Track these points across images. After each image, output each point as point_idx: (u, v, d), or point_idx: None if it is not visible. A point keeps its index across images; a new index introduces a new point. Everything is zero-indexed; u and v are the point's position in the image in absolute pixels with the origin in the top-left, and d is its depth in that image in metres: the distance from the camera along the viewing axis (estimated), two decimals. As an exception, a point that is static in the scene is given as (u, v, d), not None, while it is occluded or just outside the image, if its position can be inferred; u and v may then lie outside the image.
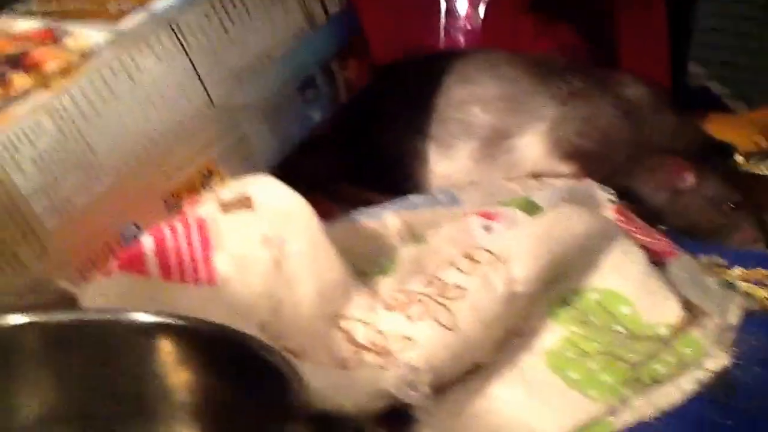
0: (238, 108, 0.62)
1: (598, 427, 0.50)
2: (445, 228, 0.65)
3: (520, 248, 0.56)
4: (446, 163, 0.81)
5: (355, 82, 0.74)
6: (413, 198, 0.69)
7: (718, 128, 0.94)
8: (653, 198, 0.79)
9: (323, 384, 0.43)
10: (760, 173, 0.92)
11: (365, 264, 0.60)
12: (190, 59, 0.59)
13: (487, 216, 0.67)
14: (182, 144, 0.58)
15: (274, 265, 0.53)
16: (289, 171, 0.65)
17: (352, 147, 0.85)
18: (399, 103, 0.83)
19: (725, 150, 0.88)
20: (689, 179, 0.78)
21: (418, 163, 0.82)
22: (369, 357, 0.49)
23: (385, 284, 0.57)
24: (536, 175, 0.81)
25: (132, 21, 0.58)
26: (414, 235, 0.65)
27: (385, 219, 0.64)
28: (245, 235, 0.53)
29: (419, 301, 0.52)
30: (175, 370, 0.40)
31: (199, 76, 0.60)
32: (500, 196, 0.72)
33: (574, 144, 0.79)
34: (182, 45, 0.59)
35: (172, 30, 0.58)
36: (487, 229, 0.65)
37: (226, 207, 0.54)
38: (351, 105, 0.76)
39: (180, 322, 0.39)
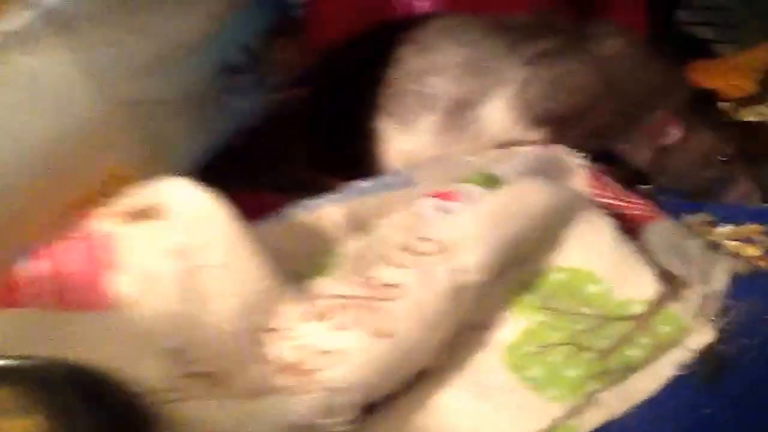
0: (150, 105, 0.56)
1: (556, 433, 0.44)
2: (396, 214, 0.59)
3: (467, 233, 0.50)
4: (408, 140, 0.74)
5: (291, 65, 0.67)
6: (360, 183, 0.62)
7: (704, 75, 0.87)
8: (637, 158, 0.73)
9: (224, 423, 0.38)
10: (751, 120, 0.85)
11: (301, 265, 0.54)
12: (82, 54, 0.53)
13: (444, 196, 0.61)
14: (81, 148, 0.51)
15: (185, 279, 0.47)
16: (234, 162, 0.59)
17: (312, 130, 0.79)
18: (354, 80, 0.77)
19: (712, 99, 0.81)
20: (675, 134, 0.71)
21: (379, 143, 0.76)
22: (286, 379, 0.43)
23: (323, 287, 0.52)
24: (506, 145, 0.74)
25: (15, 18, 0.52)
26: (361, 226, 0.58)
27: (325, 210, 0.58)
28: (151, 248, 0.47)
29: (347, 306, 0.46)
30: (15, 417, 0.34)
31: (95, 71, 0.53)
32: (460, 173, 0.65)
33: (542, 108, 0.72)
34: (72, 39, 0.52)
35: (60, 24, 0.52)
36: (443, 211, 0.59)
37: (131, 218, 0.48)
38: (305, 84, 0.71)
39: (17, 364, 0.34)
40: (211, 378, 0.45)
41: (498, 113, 0.71)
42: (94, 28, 0.53)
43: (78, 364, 0.36)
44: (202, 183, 0.51)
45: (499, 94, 0.71)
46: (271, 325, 0.48)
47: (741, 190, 0.73)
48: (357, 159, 0.76)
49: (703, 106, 0.74)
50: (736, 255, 0.63)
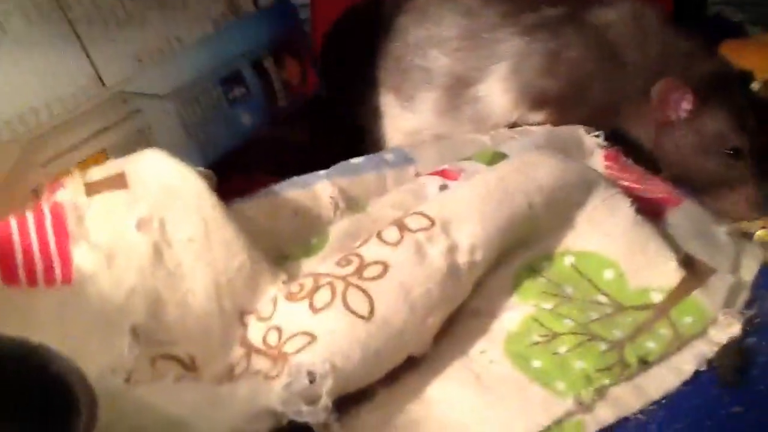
0: (140, 95, 0.52)
1: (561, 430, 0.39)
2: (391, 192, 0.55)
3: (462, 208, 0.45)
4: (410, 117, 0.69)
5: (294, 86, 0.63)
6: (354, 160, 0.57)
7: (734, 55, 0.80)
8: (639, 136, 0.66)
9: (187, 407, 0.33)
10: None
11: (288, 245, 0.49)
12: (73, 28, 0.49)
13: (446, 175, 0.56)
14: (64, 127, 0.48)
15: (153, 254, 0.42)
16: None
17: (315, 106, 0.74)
18: (358, 53, 0.72)
19: (742, 78, 0.74)
20: (685, 107, 0.63)
21: (383, 120, 0.71)
22: (259, 362, 0.39)
23: (306, 266, 0.47)
24: (512, 126, 0.69)
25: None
26: (353, 204, 0.54)
27: (316, 187, 0.53)
28: (115, 219, 0.43)
29: (327, 285, 0.41)
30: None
31: (85, 49, 0.50)
32: (464, 151, 0.60)
33: (539, 87, 0.66)
34: (63, 11, 0.49)
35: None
36: (442, 189, 0.54)
37: (93, 188, 0.44)
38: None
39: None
40: (181, 363, 0.40)
41: (496, 95, 0.66)
42: (86, 6, 0.49)
43: (25, 340, 0.32)
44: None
45: (494, 71, 0.66)
46: (246, 306, 0.43)
47: (740, 194, 0.63)
48: (358, 135, 0.72)
49: (725, 83, 0.65)
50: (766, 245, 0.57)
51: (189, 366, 0.41)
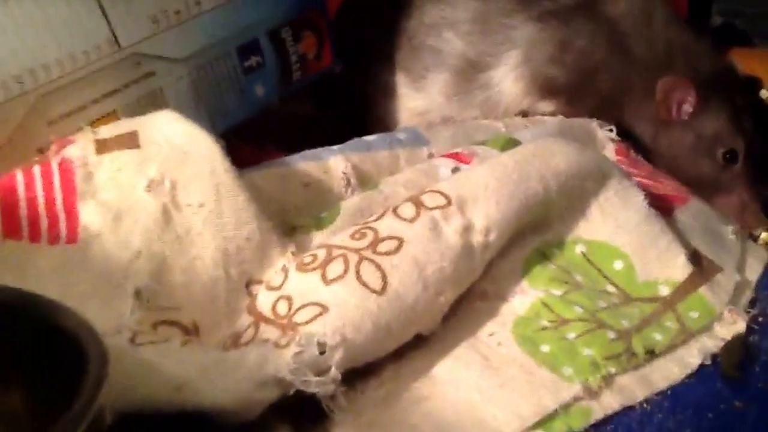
0: (154, 58, 0.51)
1: (572, 416, 0.38)
2: (403, 172, 0.54)
3: (479, 189, 0.45)
4: (419, 98, 0.69)
5: (310, 60, 0.62)
6: (368, 138, 0.57)
7: (743, 62, 0.80)
8: (641, 131, 0.64)
9: (188, 371, 0.32)
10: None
11: (298, 217, 0.48)
12: None
13: (459, 158, 0.55)
14: (75, 86, 0.47)
15: (161, 217, 0.42)
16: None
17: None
18: (370, 30, 0.71)
19: (749, 83, 0.73)
20: (688, 103, 0.62)
21: (391, 99, 0.71)
22: (268, 331, 0.38)
23: (318, 238, 0.46)
24: (524, 114, 0.68)
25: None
26: (366, 182, 0.53)
27: (329, 161, 0.52)
28: (124, 179, 0.42)
29: (340, 257, 0.40)
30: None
31: (102, 7, 0.49)
32: (478, 136, 0.60)
33: (549, 75, 0.65)
34: None
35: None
36: (451, 173, 0.53)
37: (104, 146, 0.43)
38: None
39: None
40: (183, 329, 0.40)
41: (508, 83, 0.65)
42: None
43: (35, 294, 0.31)
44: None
45: (506, 59, 0.65)
46: (254, 275, 0.43)
47: (734, 201, 0.62)
48: (371, 118, 0.71)
49: (728, 84, 0.64)
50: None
51: (192, 333, 0.40)
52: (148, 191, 0.42)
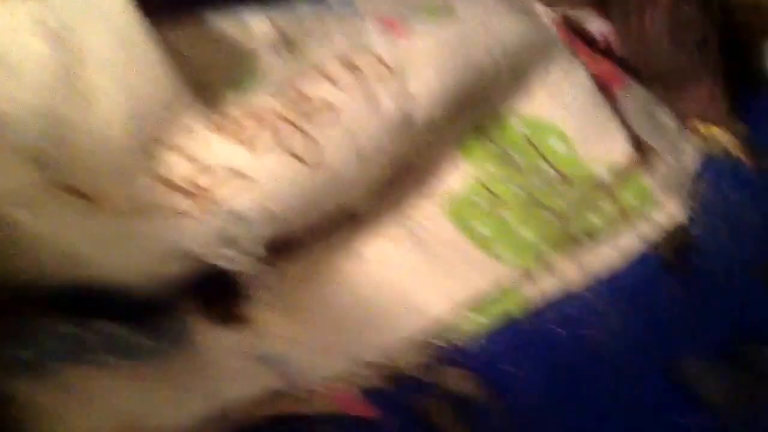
0: None
1: (510, 301, 0.36)
2: (333, 38, 0.49)
3: (420, 57, 0.41)
4: None
5: None
6: (293, 3, 0.51)
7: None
8: (617, 15, 0.61)
9: (87, 243, 0.28)
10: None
11: (214, 78, 0.43)
12: None
13: (391, 24, 0.50)
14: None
15: (61, 71, 0.36)
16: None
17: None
18: None
19: None
20: None
21: None
22: (184, 203, 0.34)
23: (239, 101, 0.42)
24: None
25: None
26: (291, 47, 0.48)
27: (251, 22, 0.47)
28: (18, 27, 0.36)
29: (265, 122, 0.36)
30: None
31: None
32: (411, 3, 0.55)
33: None
34: None
35: None
36: (387, 39, 0.49)
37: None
38: None
39: None
40: (84, 196, 0.35)
41: None
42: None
43: None
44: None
45: None
46: (167, 139, 0.38)
47: (699, 94, 0.58)
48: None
49: None
50: (709, 139, 0.56)
51: (93, 200, 0.35)
52: (44, 38, 0.37)
